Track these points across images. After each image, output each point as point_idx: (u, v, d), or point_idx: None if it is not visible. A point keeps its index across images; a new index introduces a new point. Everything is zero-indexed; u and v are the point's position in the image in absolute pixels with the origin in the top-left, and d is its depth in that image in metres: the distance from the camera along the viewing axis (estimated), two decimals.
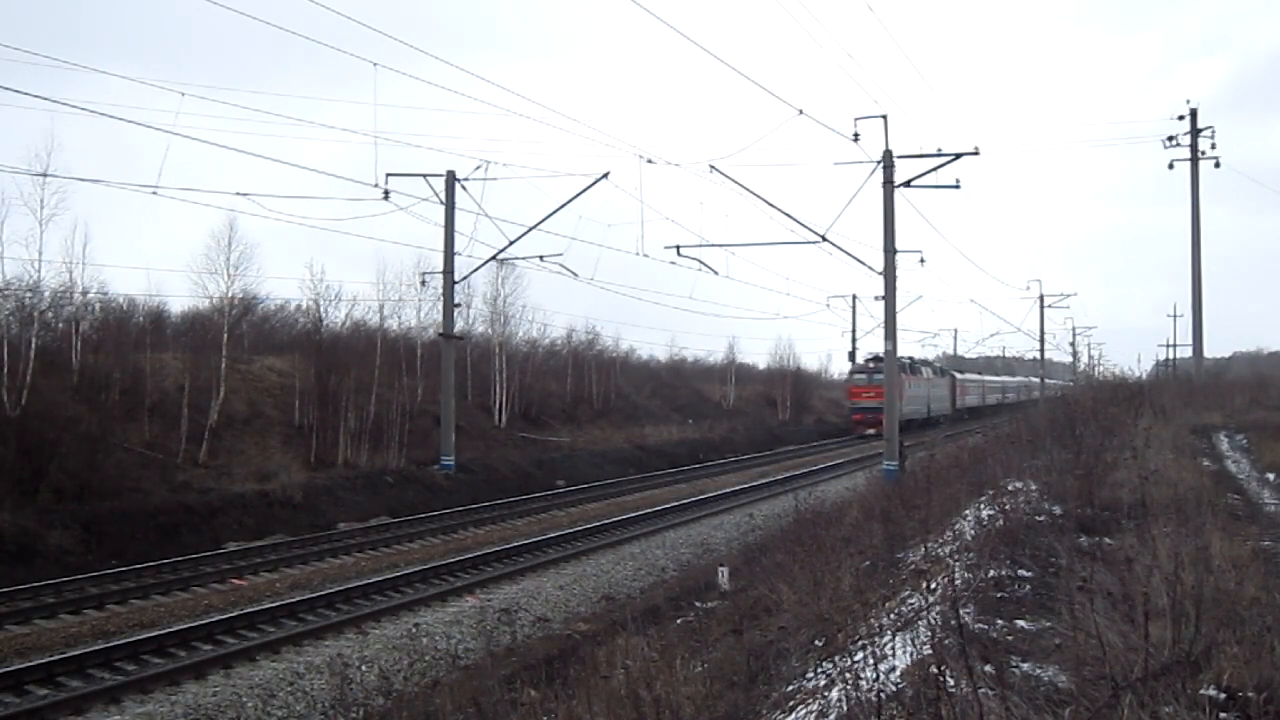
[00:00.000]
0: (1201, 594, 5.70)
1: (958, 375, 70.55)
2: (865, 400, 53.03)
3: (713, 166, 23.84)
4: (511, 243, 28.34)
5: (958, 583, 7.81)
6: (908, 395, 51.51)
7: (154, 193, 19.65)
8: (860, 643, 6.98)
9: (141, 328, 29.98)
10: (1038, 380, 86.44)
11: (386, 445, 30.25)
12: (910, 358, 57.51)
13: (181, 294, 52.19)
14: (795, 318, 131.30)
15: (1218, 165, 36.40)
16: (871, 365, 52.59)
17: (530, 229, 28.10)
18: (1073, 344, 72.32)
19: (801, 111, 22.64)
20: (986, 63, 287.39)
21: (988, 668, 5.08)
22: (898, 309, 25.81)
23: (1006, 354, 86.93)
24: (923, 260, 41.30)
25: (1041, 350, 67.09)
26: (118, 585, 15.56)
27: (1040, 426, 19.73)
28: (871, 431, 49.99)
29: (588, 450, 37.83)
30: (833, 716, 5.49)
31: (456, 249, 29.41)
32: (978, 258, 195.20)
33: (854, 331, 55.77)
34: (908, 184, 24.47)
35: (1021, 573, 8.30)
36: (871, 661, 5.99)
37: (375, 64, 20.82)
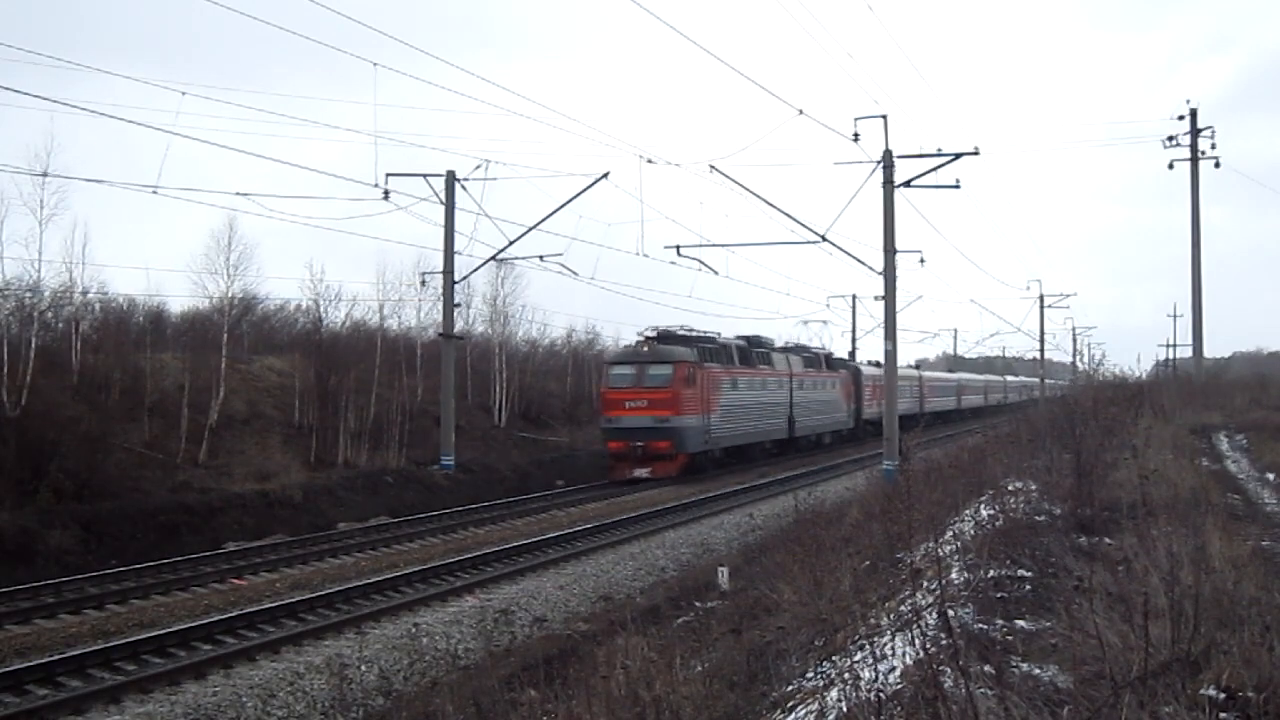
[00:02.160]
0: (1200, 594, 5.71)
1: (866, 369, 49.23)
2: (629, 414, 29.61)
3: (713, 166, 23.79)
4: (511, 243, 28.36)
5: (956, 582, 7.82)
6: (725, 403, 32.65)
7: (154, 192, 19.72)
8: (860, 643, 6.98)
9: (141, 328, 30.01)
10: (1019, 379, 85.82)
11: (386, 445, 30.26)
12: (752, 336, 37.66)
13: (181, 294, 52.23)
14: (795, 318, 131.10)
15: (1217, 165, 36.54)
16: (645, 349, 30.82)
17: (530, 229, 28.12)
18: (1074, 343, 71.89)
19: (801, 111, 22.67)
20: (986, 63, 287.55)
21: (987, 668, 5.09)
22: (898, 309, 25.82)
23: (1007, 354, 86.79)
24: (923, 260, 41.03)
25: (1041, 350, 67.05)
26: (118, 585, 15.55)
27: (1040, 426, 19.73)
28: (643, 473, 29.61)
29: (588, 450, 37.82)
30: (832, 716, 5.49)
31: (456, 249, 29.43)
32: (978, 258, 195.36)
33: (854, 331, 55.13)
34: (908, 184, 24.48)
35: (1021, 572, 8.31)
36: (871, 661, 6.00)
37: (375, 64, 20.87)
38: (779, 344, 40.73)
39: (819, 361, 43.15)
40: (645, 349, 31.08)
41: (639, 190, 60.91)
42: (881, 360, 51.59)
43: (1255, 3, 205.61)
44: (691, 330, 33.08)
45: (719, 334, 34.97)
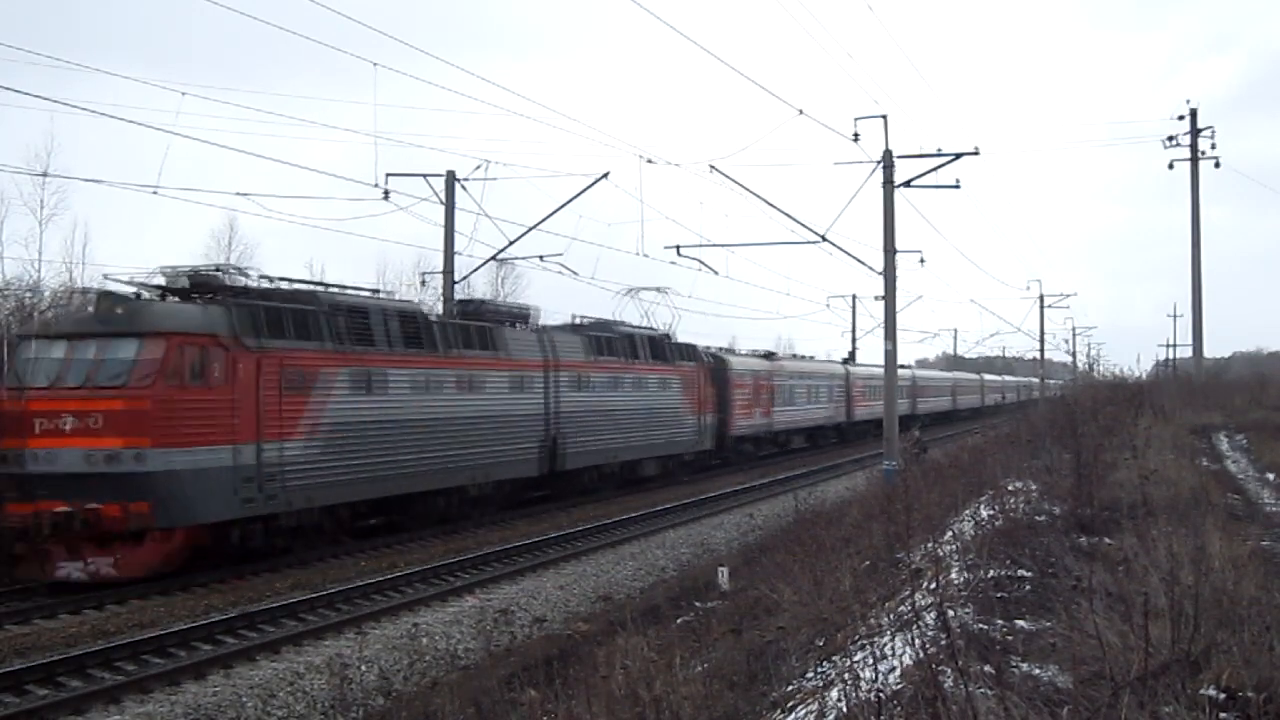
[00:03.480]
0: (1200, 594, 5.71)
1: (736, 361, 35.07)
2: (47, 443, 13.98)
3: (713, 166, 23.70)
4: (511, 243, 28.27)
5: (956, 582, 7.83)
6: (335, 419, 17.26)
7: (154, 192, 19.52)
8: (860, 643, 6.99)
9: None
10: (1001, 379, 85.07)
11: None
12: (467, 301, 25.55)
13: None
14: (795, 317, 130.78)
15: (1217, 165, 36.51)
16: (92, 310, 15.15)
17: (530, 229, 28.03)
18: (1073, 343, 71.79)
19: (801, 111, 22.66)
20: (986, 63, 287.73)
21: (987, 668, 5.09)
22: (898, 309, 25.80)
23: (1007, 354, 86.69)
24: (923, 260, 40.55)
25: (1041, 350, 67.04)
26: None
27: (1040, 426, 19.76)
28: (79, 572, 14.19)
29: None
30: (832, 717, 5.49)
31: (456, 249, 29.27)
32: (978, 258, 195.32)
33: (854, 331, 55.02)
34: (908, 184, 24.46)
35: (1021, 572, 8.31)
36: (871, 661, 6.00)
37: (375, 64, 20.69)
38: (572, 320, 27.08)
39: (635, 348, 27.45)
40: (92, 309, 15.39)
41: (639, 190, 60.63)
42: (789, 354, 48.40)
43: (1257, 2, 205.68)
44: (272, 280, 18.23)
45: (370, 292, 20.31)
